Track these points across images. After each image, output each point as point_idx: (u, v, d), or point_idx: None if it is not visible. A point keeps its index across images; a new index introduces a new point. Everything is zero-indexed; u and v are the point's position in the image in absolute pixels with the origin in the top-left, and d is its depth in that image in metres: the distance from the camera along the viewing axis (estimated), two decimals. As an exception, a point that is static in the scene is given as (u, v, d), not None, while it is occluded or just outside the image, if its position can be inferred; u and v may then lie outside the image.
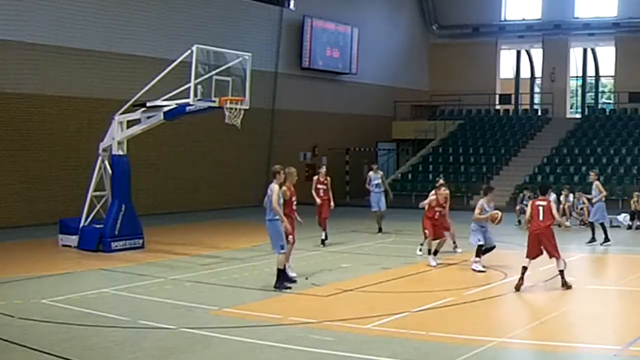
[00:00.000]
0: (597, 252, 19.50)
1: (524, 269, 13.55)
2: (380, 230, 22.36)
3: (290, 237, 14.12)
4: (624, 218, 24.40)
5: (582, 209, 24.87)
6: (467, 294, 13.01)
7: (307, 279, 14.42)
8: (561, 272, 13.61)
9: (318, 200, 20.08)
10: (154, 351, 9.59)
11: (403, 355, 9.26)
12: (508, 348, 9.82)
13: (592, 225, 20.55)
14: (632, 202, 24.16)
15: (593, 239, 20.19)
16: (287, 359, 9.38)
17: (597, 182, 20.53)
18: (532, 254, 13.82)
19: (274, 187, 13.41)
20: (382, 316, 11.32)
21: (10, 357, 9.28)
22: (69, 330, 10.59)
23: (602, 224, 20.15)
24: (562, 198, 24.84)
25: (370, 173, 23.28)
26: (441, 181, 18.90)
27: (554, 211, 14.03)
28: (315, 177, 20.68)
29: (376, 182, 22.69)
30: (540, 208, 13.91)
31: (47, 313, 11.59)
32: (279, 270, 13.55)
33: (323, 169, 20.92)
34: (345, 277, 15.05)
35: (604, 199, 20.29)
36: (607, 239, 19.93)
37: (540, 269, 15.88)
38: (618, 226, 24.18)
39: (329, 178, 20.54)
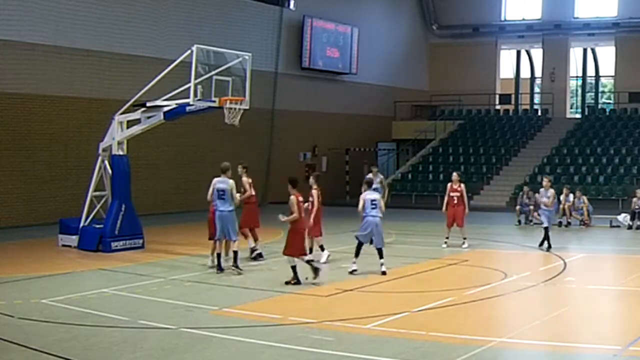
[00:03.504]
0: (597, 252, 19.51)
1: (294, 267, 13.93)
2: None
3: None
4: (624, 218, 24.42)
5: (582, 208, 24.91)
6: (467, 294, 13.00)
7: (307, 278, 14.41)
8: (309, 261, 14.19)
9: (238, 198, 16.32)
10: (154, 351, 9.59)
11: (403, 355, 9.26)
12: (508, 348, 9.81)
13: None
14: (634, 200, 24.16)
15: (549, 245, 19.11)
16: (287, 359, 9.37)
17: (552, 191, 19.83)
18: (302, 252, 14.16)
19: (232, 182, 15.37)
20: (382, 316, 11.32)
21: (10, 357, 9.28)
22: (69, 330, 10.59)
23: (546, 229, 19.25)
24: (562, 197, 24.85)
25: (369, 175, 20.23)
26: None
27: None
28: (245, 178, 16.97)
29: (374, 186, 19.69)
30: (301, 204, 14.19)
31: (47, 313, 11.59)
32: (235, 252, 15.14)
33: (240, 169, 17.06)
34: (345, 277, 15.04)
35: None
36: (546, 243, 19.02)
37: (540, 269, 15.91)
38: (618, 226, 24.19)
39: (250, 180, 17.24)
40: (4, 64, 23.49)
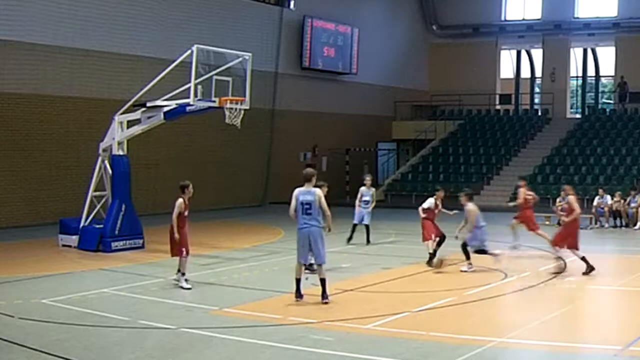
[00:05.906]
0: (596, 252, 19.47)
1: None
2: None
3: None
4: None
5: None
6: (467, 294, 13.00)
7: (307, 278, 14.40)
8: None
9: (177, 235, 14.08)
10: (154, 351, 9.59)
11: (403, 355, 9.26)
12: (508, 348, 9.81)
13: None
14: (613, 201, 24.30)
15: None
16: (287, 359, 9.37)
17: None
18: None
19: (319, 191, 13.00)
20: (382, 316, 11.32)
21: (10, 357, 9.28)
22: (69, 330, 10.59)
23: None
24: (557, 200, 24.99)
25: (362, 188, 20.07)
26: None
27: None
28: (180, 200, 14.89)
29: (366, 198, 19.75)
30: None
31: (47, 313, 11.59)
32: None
33: (190, 188, 15.09)
34: (345, 277, 15.04)
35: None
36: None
37: (540, 269, 15.90)
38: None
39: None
40: (4, 64, 23.49)
